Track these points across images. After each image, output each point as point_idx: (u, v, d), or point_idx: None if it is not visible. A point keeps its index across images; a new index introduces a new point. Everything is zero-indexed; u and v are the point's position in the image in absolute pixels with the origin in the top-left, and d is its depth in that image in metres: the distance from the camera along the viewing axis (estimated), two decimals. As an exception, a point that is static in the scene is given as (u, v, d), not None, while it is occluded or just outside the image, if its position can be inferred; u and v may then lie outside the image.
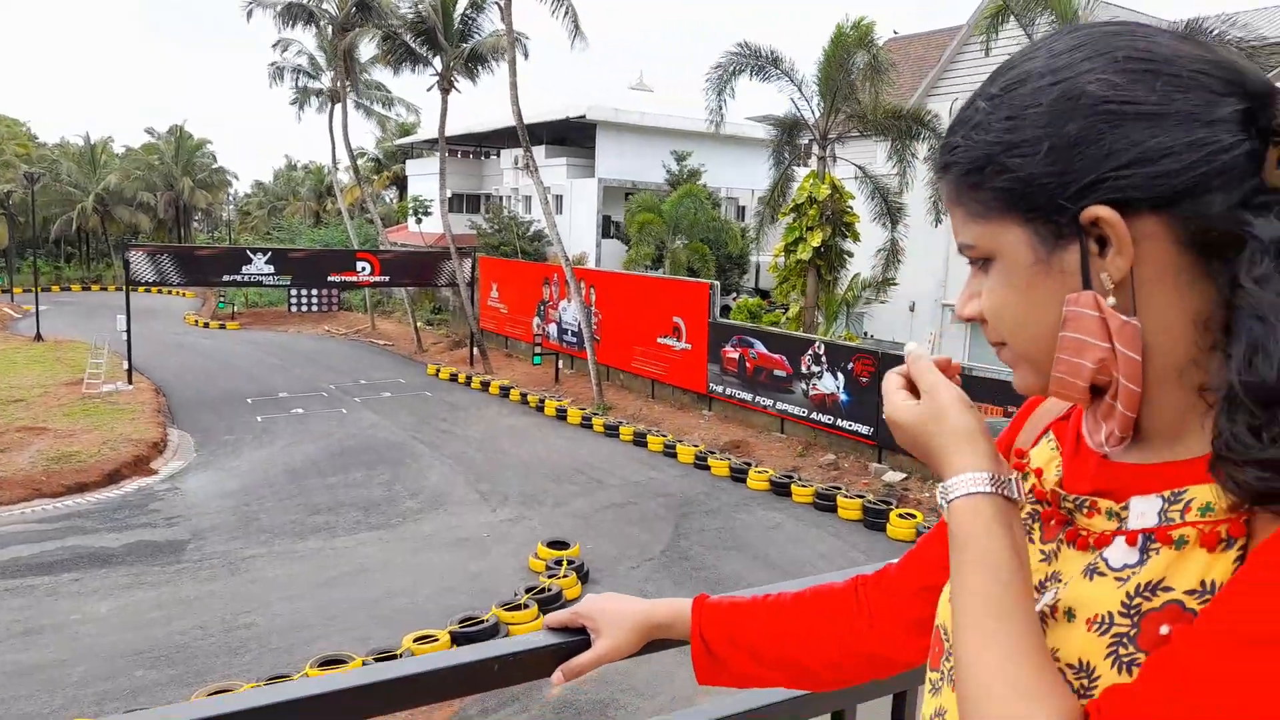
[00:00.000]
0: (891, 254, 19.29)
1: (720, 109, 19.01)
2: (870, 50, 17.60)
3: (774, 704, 1.18)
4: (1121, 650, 0.65)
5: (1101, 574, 0.69)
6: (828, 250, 19.10)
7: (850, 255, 19.76)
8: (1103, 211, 0.65)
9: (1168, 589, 0.64)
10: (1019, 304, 0.70)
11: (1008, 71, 0.70)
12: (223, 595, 11.54)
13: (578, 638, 1.05)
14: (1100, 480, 0.73)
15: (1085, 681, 0.66)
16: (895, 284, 19.86)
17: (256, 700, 0.92)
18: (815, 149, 19.52)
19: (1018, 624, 0.66)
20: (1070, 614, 0.69)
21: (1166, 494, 0.67)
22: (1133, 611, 0.65)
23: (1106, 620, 0.66)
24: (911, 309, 21.33)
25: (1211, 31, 14.37)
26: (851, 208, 19.23)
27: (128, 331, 24.23)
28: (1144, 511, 0.68)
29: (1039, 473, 0.81)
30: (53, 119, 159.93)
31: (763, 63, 18.89)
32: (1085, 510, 0.73)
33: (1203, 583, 0.63)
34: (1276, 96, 0.64)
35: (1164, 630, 0.63)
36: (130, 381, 23.58)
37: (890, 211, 19.06)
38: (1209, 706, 0.55)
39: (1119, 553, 0.68)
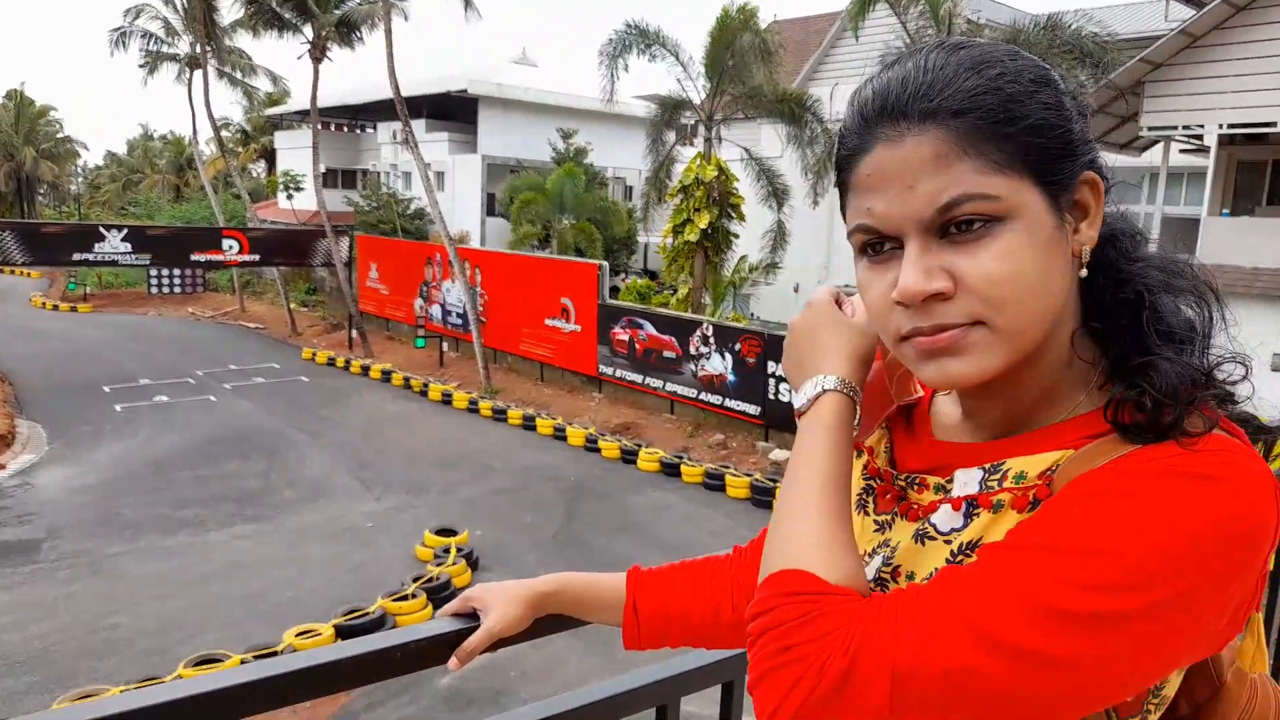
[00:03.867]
0: (779, 235, 19.70)
1: (613, 88, 18.92)
2: (756, 32, 17.83)
3: (598, 701, 1.21)
4: None
5: (931, 538, 0.75)
6: (715, 232, 19.36)
7: (736, 237, 20.07)
8: (1096, 177, 0.72)
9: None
10: (1041, 269, 0.68)
11: (958, 50, 0.71)
12: (84, 596, 10.80)
13: (471, 623, 1.08)
14: (931, 459, 0.81)
15: None
16: (781, 267, 20.30)
17: (159, 697, 0.90)
18: (701, 130, 19.69)
19: (842, 500, 0.72)
20: (911, 575, 0.76)
21: (987, 466, 0.74)
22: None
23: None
24: (795, 290, 21.84)
25: (1069, 26, 15.25)
26: (737, 189, 19.51)
27: (-35, 315, 22.28)
28: (966, 481, 0.75)
29: (870, 451, 0.89)
30: None
31: (649, 41, 18.90)
32: (916, 486, 0.80)
33: None
34: None
35: None
36: (-31, 369, 21.72)
37: (776, 193, 19.43)
38: (987, 593, 0.61)
39: (944, 518, 0.75)
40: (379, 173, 35.92)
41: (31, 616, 10.23)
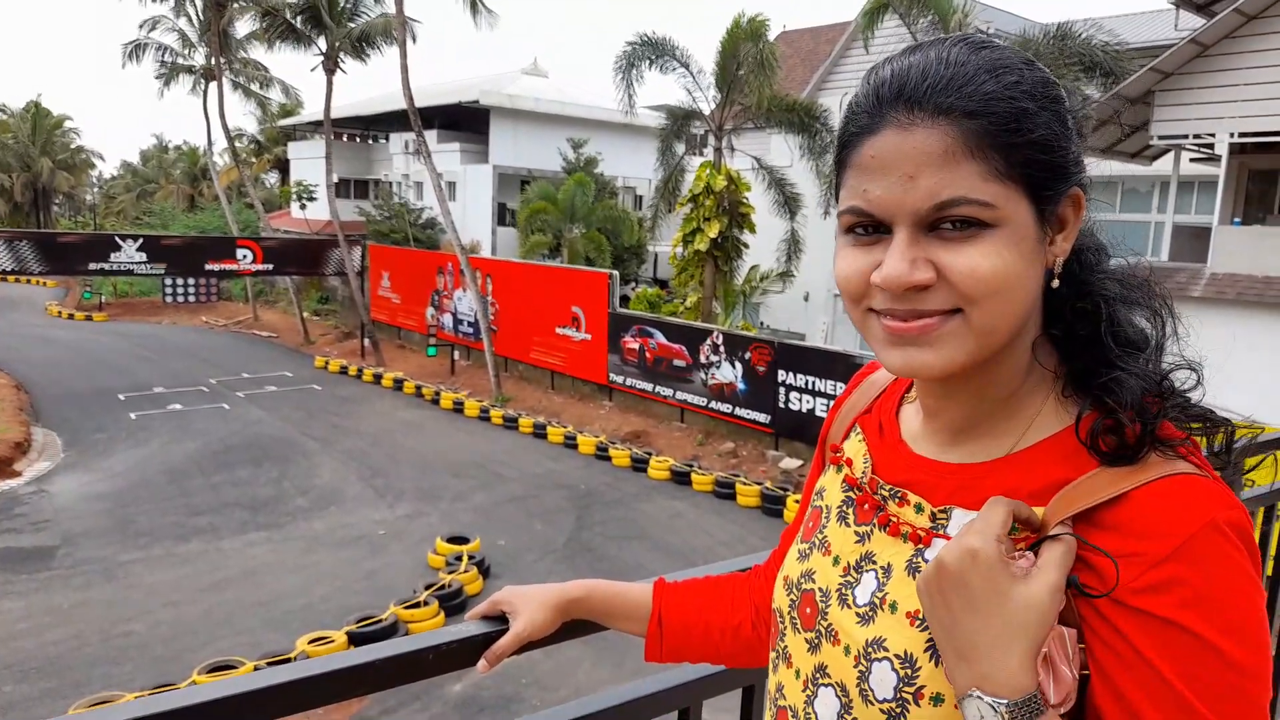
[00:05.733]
0: (792, 245, 19.73)
1: (629, 100, 19.02)
2: (760, 46, 17.90)
3: (620, 705, 1.22)
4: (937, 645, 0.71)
5: (920, 571, 0.74)
6: (725, 241, 19.41)
7: (747, 246, 20.10)
8: (1080, 195, 0.73)
9: None
10: (1022, 274, 0.70)
11: (980, 49, 0.71)
12: (99, 603, 10.88)
13: (500, 626, 1.09)
14: (908, 471, 0.81)
15: (909, 671, 0.73)
16: (794, 276, 20.32)
17: (190, 699, 0.92)
18: (711, 140, 19.76)
19: None
20: (894, 606, 0.76)
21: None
22: None
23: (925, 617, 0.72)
24: (806, 299, 21.87)
25: (1079, 35, 15.25)
26: (747, 199, 19.56)
27: (-18, 323, 22.50)
28: (963, 524, 0.73)
29: (849, 463, 0.89)
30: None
31: (659, 52, 19.01)
32: (897, 500, 0.81)
33: None
34: None
35: None
36: (-14, 377, 21.92)
37: (788, 202, 19.47)
38: None
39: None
40: (391, 183, 36.15)
41: (46, 623, 10.31)
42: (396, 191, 34.74)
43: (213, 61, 30.19)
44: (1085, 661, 0.68)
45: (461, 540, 12.17)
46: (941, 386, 0.77)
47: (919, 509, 0.78)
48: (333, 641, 9.46)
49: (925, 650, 0.72)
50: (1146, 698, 0.64)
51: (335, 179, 28.48)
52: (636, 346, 19.23)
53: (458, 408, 20.53)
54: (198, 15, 30.48)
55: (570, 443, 17.64)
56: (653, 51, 19.13)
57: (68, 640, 9.88)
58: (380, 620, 9.92)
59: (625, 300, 22.99)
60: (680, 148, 20.52)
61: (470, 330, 24.07)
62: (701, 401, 17.88)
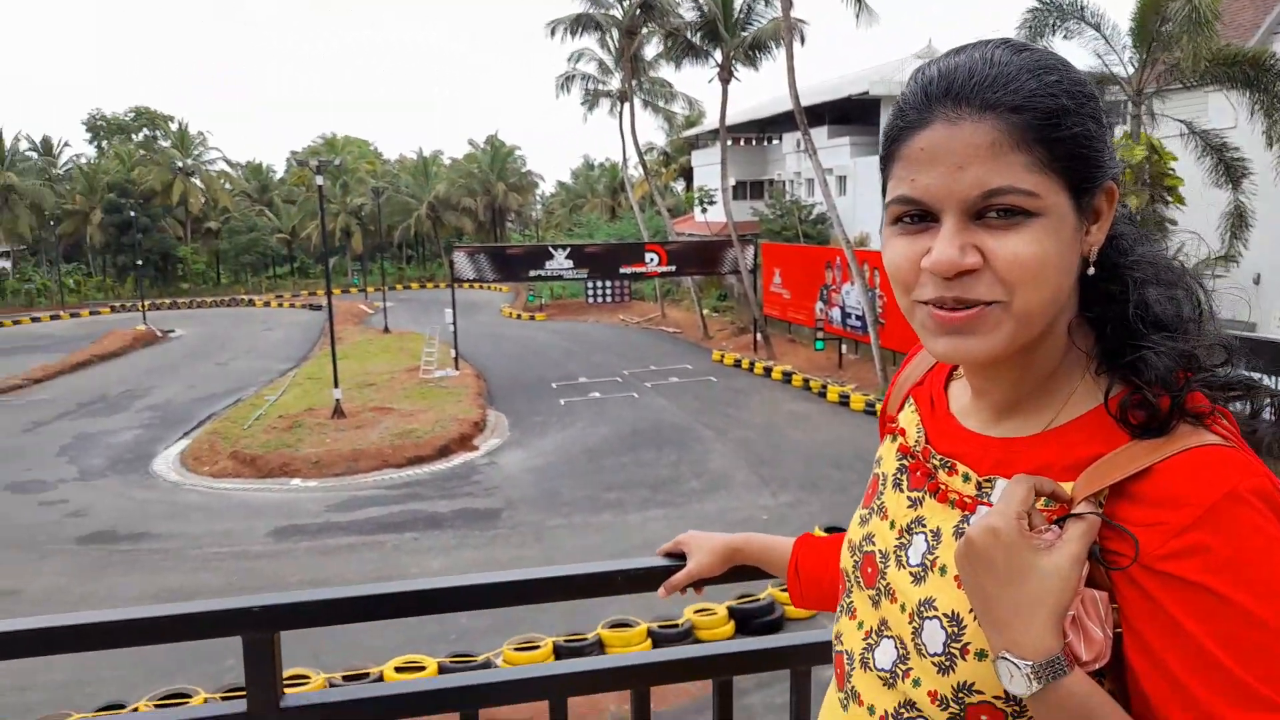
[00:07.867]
0: (1235, 219, 16.87)
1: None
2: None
3: (661, 663, 1.42)
4: None
5: None
6: (1143, 219, 17.16)
7: (1174, 223, 17.53)
8: (1114, 188, 0.77)
9: None
10: (1061, 263, 0.74)
11: (1021, 51, 0.76)
12: (531, 560, 12.78)
13: (679, 563, 1.31)
14: (956, 443, 0.86)
15: (955, 629, 0.79)
16: (1239, 256, 17.34)
17: (436, 584, 1.29)
18: (1130, 107, 17.55)
19: None
20: (943, 569, 0.82)
21: None
22: None
23: None
24: (1256, 281, 18.54)
25: None
26: (1174, 170, 17.07)
27: (454, 323, 27.43)
28: None
29: (903, 432, 0.96)
30: (392, 136, 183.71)
31: (1066, 15, 17.31)
32: (947, 469, 0.86)
33: None
34: None
35: None
36: (457, 367, 26.68)
37: (1229, 170, 16.66)
38: None
39: None
40: (784, 181, 37.20)
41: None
42: (788, 189, 35.67)
43: (626, 84, 33.55)
44: (1119, 620, 0.72)
45: (838, 531, 12.29)
46: (985, 369, 0.83)
47: (966, 478, 0.84)
48: (715, 614, 10.23)
49: (970, 611, 0.77)
50: (1172, 649, 0.68)
51: (732, 182, 30.10)
52: (1036, 339, 17.78)
53: (843, 401, 20.65)
54: (614, 44, 34.11)
55: (959, 441, 16.86)
56: (1058, 14, 17.48)
57: (507, 588, 11.83)
58: (758, 599, 10.48)
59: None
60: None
61: (858, 324, 24.01)
62: (1113, 400, 16.00)
